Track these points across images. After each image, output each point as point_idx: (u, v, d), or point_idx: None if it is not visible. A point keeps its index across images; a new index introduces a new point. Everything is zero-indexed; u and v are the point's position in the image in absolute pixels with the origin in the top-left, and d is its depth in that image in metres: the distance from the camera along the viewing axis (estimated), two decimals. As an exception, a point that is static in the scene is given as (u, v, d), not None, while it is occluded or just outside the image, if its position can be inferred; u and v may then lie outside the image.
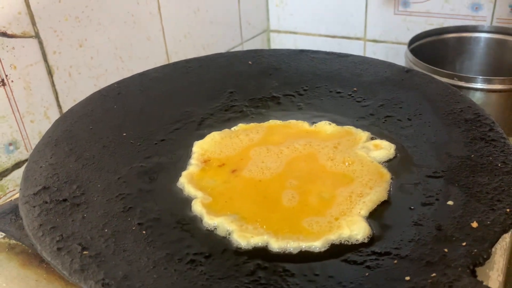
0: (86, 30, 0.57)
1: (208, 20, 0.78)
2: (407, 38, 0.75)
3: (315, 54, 0.56)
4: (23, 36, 0.50)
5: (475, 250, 0.28)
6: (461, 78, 0.58)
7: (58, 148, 0.40)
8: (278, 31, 0.94)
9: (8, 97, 0.50)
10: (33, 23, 0.51)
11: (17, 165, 0.53)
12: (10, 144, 0.51)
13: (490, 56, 0.72)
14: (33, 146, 0.54)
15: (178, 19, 0.71)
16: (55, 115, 0.55)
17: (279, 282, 0.28)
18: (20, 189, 0.35)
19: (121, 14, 0.61)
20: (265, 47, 0.96)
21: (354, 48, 0.87)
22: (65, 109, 0.56)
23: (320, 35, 0.90)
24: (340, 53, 0.55)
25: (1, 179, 0.51)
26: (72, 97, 0.57)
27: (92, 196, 0.36)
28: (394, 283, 0.27)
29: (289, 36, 0.94)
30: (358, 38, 0.87)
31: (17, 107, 0.51)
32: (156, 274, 0.28)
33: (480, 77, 0.57)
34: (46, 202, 0.34)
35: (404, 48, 0.70)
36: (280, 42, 0.95)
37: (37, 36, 0.52)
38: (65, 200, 0.35)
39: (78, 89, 0.57)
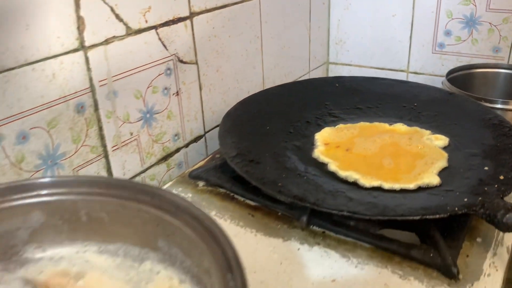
0: (221, 60, 0.81)
1: (290, 55, 1.02)
2: (442, 71, 0.98)
3: (383, 80, 0.79)
4: (190, 62, 0.75)
5: (503, 188, 0.50)
6: (486, 100, 0.81)
7: (232, 134, 0.64)
8: (336, 63, 1.19)
9: (178, 103, 0.74)
10: (195, 55, 0.75)
11: (177, 150, 0.76)
12: (176, 135, 0.75)
13: (508, 87, 0.95)
14: (187, 138, 0.78)
15: (272, 53, 0.95)
16: (200, 118, 0.79)
17: (392, 201, 0.50)
18: (224, 153, 0.58)
19: (240, 50, 0.86)
20: (325, 75, 1.20)
21: (398, 78, 1.10)
22: (206, 114, 0.80)
23: (371, 67, 1.14)
24: (401, 80, 0.79)
25: (168, 159, 0.75)
26: (209, 106, 0.81)
27: (265, 159, 0.59)
28: (459, 201, 0.49)
29: (344, 67, 1.18)
30: (402, 70, 1.10)
31: (182, 110, 0.75)
32: (307, 183, 0.51)
33: (500, 99, 0.80)
34: (243, 161, 0.57)
35: (439, 79, 0.93)
36: (337, 72, 1.19)
37: (196, 63, 0.76)
38: (252, 160, 0.58)
39: (212, 101, 0.81)
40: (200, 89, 0.78)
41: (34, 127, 0.53)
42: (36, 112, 0.53)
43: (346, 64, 1.17)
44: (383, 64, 1.12)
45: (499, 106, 0.80)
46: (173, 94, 0.72)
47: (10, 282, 0.31)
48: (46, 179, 0.36)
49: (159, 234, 0.34)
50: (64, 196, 0.35)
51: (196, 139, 0.80)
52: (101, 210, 0.35)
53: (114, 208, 0.34)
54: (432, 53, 1.05)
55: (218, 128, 0.67)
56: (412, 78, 1.09)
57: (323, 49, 1.17)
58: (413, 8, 1.03)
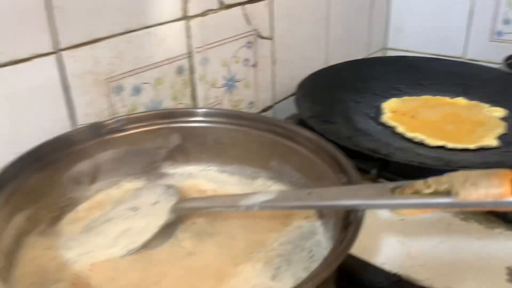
0: (292, 38, 0.89)
1: (351, 38, 1.09)
2: (498, 59, 1.02)
3: (444, 61, 0.85)
4: (267, 38, 0.83)
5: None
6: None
7: (306, 100, 0.72)
8: (393, 49, 1.24)
9: (254, 74, 0.82)
10: (272, 31, 0.84)
11: (251, 117, 0.85)
12: (251, 103, 0.84)
13: None
14: (259, 106, 0.87)
15: (336, 35, 1.02)
16: (270, 90, 0.87)
17: (455, 157, 0.57)
18: (302, 113, 0.66)
19: (308, 30, 0.93)
20: (381, 61, 1.26)
21: (455, 64, 1.15)
22: (276, 85, 0.88)
23: (428, 54, 1.18)
24: (461, 61, 0.84)
25: (243, 124, 0.83)
26: (279, 79, 0.89)
27: (338, 120, 0.66)
28: (517, 159, 0.55)
29: (401, 53, 1.23)
30: (458, 57, 1.14)
31: (256, 80, 0.83)
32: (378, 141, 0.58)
33: (559, 82, 0.84)
34: (318, 121, 0.65)
35: (496, 66, 0.97)
36: (393, 58, 1.24)
37: (272, 39, 0.84)
38: (326, 121, 0.65)
39: (281, 75, 0.89)
40: (273, 63, 0.86)
41: (145, 83, 0.63)
42: (147, 70, 0.63)
43: (403, 50, 1.22)
44: (439, 51, 1.16)
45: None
46: (251, 65, 0.81)
47: (154, 188, 0.41)
48: (185, 109, 0.45)
49: (273, 155, 0.42)
50: (197, 124, 0.44)
51: (266, 109, 0.88)
52: (225, 136, 0.44)
53: (236, 134, 0.43)
54: (489, 41, 1.09)
55: (284, 101, 0.75)
56: (468, 65, 1.13)
57: (381, 35, 1.23)
58: (474, -3, 1.08)
